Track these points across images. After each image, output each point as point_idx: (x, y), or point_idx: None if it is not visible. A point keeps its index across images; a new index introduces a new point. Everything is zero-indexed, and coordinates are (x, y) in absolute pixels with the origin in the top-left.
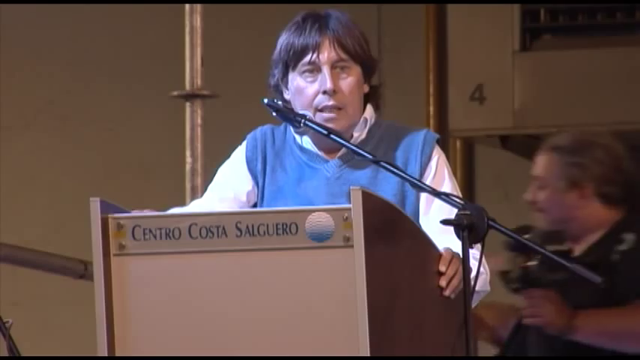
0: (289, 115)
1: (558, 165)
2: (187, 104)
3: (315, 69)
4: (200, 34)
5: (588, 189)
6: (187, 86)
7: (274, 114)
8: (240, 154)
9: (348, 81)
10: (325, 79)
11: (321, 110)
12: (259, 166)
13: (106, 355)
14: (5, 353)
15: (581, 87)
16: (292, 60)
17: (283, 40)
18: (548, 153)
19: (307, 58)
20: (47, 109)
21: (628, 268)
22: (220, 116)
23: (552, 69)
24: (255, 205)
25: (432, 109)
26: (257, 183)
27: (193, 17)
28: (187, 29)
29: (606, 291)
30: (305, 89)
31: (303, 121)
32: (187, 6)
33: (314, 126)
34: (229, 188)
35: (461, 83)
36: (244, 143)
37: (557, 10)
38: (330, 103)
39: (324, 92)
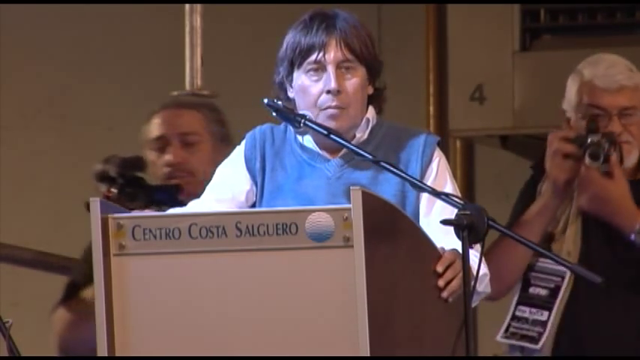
0: (289, 115)
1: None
2: None
3: (320, 68)
4: (200, 34)
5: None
6: (187, 86)
7: (274, 114)
8: (239, 153)
9: (353, 82)
10: (330, 79)
11: (324, 110)
12: (258, 165)
13: (106, 355)
14: (5, 353)
15: None
16: (298, 58)
17: (290, 38)
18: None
19: (313, 57)
20: (47, 109)
21: None
22: None
23: (552, 69)
24: (253, 205)
25: (432, 109)
26: (256, 182)
27: (193, 17)
28: (187, 29)
29: None
30: (309, 88)
31: (302, 121)
32: (187, 6)
33: (313, 126)
34: (227, 189)
35: (461, 83)
36: (243, 142)
37: (557, 10)
38: (334, 103)
39: (328, 92)
